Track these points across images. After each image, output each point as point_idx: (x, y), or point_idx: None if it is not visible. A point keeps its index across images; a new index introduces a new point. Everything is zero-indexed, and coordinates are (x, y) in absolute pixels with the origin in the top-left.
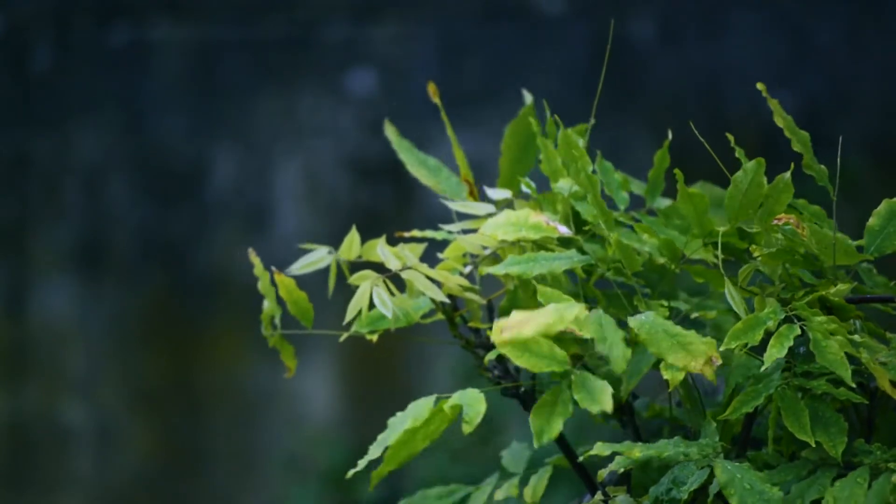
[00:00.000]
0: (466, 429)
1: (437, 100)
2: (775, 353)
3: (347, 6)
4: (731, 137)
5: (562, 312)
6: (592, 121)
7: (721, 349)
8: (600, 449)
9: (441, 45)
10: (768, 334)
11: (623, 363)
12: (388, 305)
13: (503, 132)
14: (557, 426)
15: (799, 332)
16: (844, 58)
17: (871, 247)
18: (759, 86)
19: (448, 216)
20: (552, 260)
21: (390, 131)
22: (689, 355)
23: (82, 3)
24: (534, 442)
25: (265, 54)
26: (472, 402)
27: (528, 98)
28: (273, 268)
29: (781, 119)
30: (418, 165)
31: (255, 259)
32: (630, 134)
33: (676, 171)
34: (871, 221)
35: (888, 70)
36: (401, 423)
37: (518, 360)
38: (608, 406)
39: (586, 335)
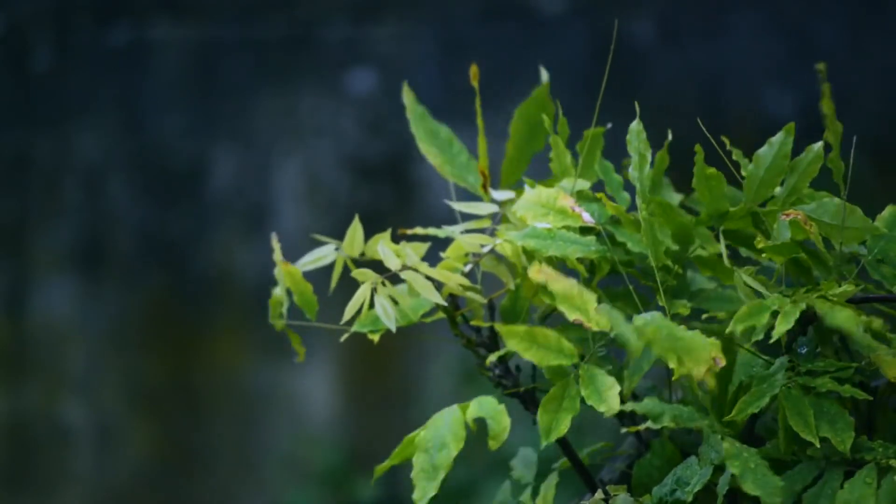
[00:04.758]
0: (493, 445)
1: (475, 83)
2: (782, 327)
3: (347, 6)
4: (726, 141)
5: (583, 293)
6: (609, 125)
7: (728, 331)
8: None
9: (441, 44)
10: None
11: (638, 352)
12: (389, 315)
13: (503, 130)
14: (566, 423)
15: (804, 307)
16: (844, 58)
17: (874, 248)
18: (820, 66)
19: (448, 216)
20: (570, 243)
21: (407, 96)
22: (691, 360)
23: (82, 3)
24: (541, 440)
25: (265, 54)
26: (496, 416)
27: (545, 77)
28: (281, 257)
29: (827, 105)
30: (428, 137)
31: (277, 245)
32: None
33: (697, 146)
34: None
35: (888, 70)
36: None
37: (526, 354)
38: (615, 405)
39: (596, 327)
